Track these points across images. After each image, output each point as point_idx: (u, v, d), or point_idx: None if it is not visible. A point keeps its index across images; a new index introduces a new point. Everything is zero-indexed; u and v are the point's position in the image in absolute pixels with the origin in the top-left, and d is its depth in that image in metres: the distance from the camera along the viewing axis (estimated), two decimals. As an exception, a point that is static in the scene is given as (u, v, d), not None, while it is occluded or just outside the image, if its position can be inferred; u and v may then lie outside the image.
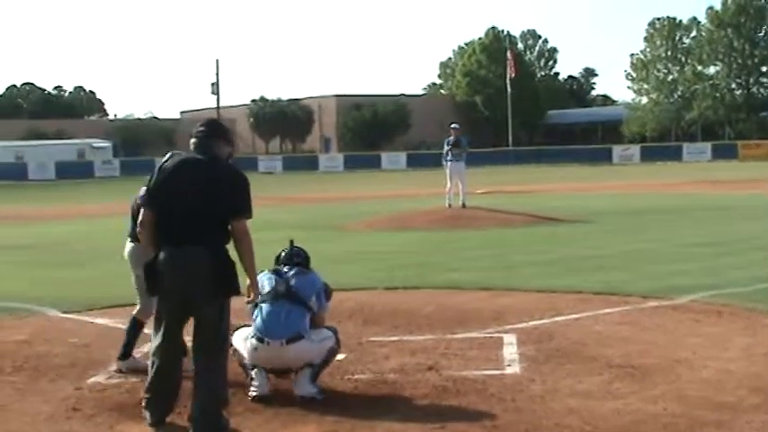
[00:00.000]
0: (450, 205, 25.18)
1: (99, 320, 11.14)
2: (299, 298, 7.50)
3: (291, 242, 8.11)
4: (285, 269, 7.79)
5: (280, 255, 8.02)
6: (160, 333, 6.72)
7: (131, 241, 8.61)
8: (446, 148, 25.65)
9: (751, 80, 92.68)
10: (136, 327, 8.49)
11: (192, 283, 6.47)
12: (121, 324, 10.72)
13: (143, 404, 6.83)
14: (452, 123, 27.01)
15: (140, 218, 6.70)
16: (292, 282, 7.59)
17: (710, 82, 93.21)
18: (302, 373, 7.38)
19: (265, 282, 7.62)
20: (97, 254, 18.95)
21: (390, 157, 77.42)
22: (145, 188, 6.75)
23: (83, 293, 13.24)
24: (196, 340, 6.66)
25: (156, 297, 6.77)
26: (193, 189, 6.51)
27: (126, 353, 8.45)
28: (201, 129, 6.74)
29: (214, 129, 6.79)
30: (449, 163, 25.55)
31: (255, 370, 7.40)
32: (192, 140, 6.71)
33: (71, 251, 19.95)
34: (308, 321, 7.51)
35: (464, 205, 25.18)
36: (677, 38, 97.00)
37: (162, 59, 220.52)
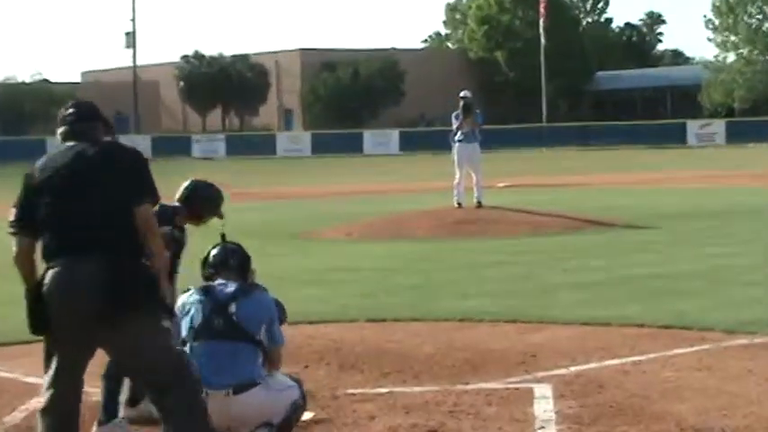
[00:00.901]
0: (459, 204, 25.18)
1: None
2: (246, 332, 7.50)
3: (223, 236, 8.07)
4: (218, 284, 7.73)
5: (207, 257, 7.94)
6: (51, 378, 6.75)
7: None
8: (455, 124, 25.63)
9: None
10: None
11: (85, 301, 6.47)
12: (2, 371, 10.73)
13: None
14: (463, 90, 27.00)
15: (14, 250, 6.77)
16: (233, 309, 7.56)
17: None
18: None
19: (192, 308, 7.60)
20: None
21: (376, 136, 77.47)
22: (13, 209, 6.82)
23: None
24: (145, 386, 6.74)
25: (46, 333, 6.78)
26: (73, 181, 6.65)
27: (108, 414, 8.41)
28: (70, 112, 6.98)
29: (87, 110, 7.05)
30: (457, 145, 25.52)
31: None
32: (61, 129, 6.93)
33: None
34: (261, 362, 7.52)
35: (479, 204, 25.19)
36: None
37: (56, 1, 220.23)
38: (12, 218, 6.78)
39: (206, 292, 7.65)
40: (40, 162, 6.90)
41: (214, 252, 7.91)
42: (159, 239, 6.76)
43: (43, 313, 6.61)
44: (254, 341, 7.51)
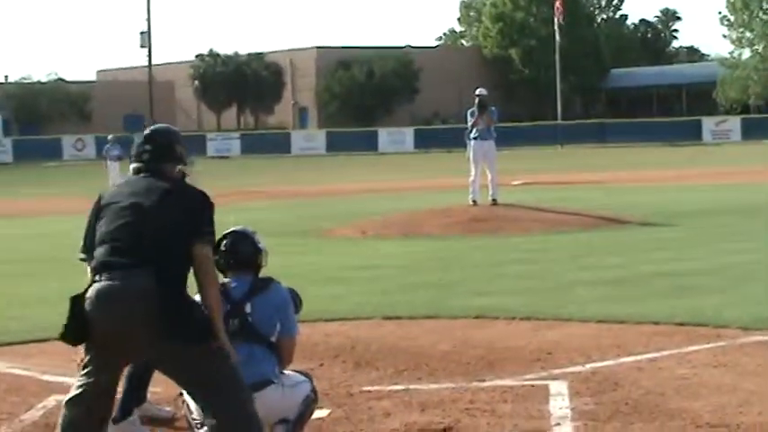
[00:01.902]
0: (475, 202, 25.19)
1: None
2: (260, 335, 7.52)
3: (230, 234, 7.80)
4: (232, 282, 7.69)
5: (218, 245, 7.62)
6: (84, 376, 6.72)
7: None
8: (470, 121, 25.66)
9: None
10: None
11: (127, 314, 6.46)
12: (17, 369, 10.77)
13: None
14: (478, 88, 27.01)
15: (88, 277, 6.80)
16: (248, 309, 7.54)
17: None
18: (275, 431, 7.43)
19: None
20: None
21: (391, 134, 77.56)
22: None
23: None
24: (205, 411, 6.76)
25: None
26: (133, 208, 6.71)
27: (123, 412, 8.37)
28: (147, 149, 7.00)
29: (164, 148, 7.04)
30: (472, 142, 25.54)
31: (205, 429, 7.43)
32: (135, 164, 7.01)
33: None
34: (275, 361, 7.52)
35: (494, 201, 25.20)
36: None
37: (71, 1, 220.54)
38: (81, 243, 6.91)
39: (221, 292, 7.58)
40: (109, 190, 7.04)
41: (224, 244, 7.72)
42: (215, 280, 6.81)
43: (81, 324, 6.59)
44: (268, 343, 7.51)
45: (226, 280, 7.64)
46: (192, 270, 6.73)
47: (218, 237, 7.14)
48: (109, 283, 6.52)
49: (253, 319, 7.45)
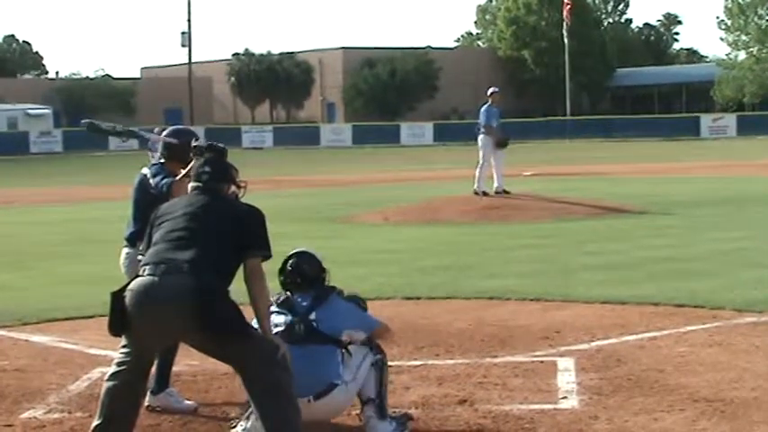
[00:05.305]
0: (484, 193, 25.04)
1: (35, 338, 11.19)
2: (326, 337, 7.31)
3: (295, 255, 7.67)
4: (298, 298, 7.51)
5: (284, 266, 7.63)
6: (121, 357, 6.72)
7: (128, 246, 8.55)
8: (482, 117, 25.49)
9: None
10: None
11: (166, 311, 6.45)
12: (65, 343, 10.79)
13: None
14: (490, 87, 26.92)
15: None
16: (312, 316, 7.37)
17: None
18: (366, 414, 7.34)
19: (275, 319, 7.30)
20: (35, 253, 19.03)
21: (412, 128, 77.38)
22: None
23: (15, 303, 13.32)
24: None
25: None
26: (186, 218, 6.76)
27: (160, 385, 8.38)
28: (206, 170, 7.04)
29: (220, 172, 7.10)
30: (482, 137, 25.40)
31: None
32: (193, 184, 7.02)
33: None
34: (341, 358, 7.31)
35: (499, 192, 25.05)
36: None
37: (117, 2, 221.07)
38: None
39: (286, 304, 7.49)
40: (167, 203, 7.14)
41: (289, 264, 7.62)
42: (265, 287, 6.76)
43: (120, 317, 6.58)
44: (334, 341, 7.33)
45: (294, 296, 7.55)
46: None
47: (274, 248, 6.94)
48: (150, 277, 6.51)
49: (319, 326, 7.33)
